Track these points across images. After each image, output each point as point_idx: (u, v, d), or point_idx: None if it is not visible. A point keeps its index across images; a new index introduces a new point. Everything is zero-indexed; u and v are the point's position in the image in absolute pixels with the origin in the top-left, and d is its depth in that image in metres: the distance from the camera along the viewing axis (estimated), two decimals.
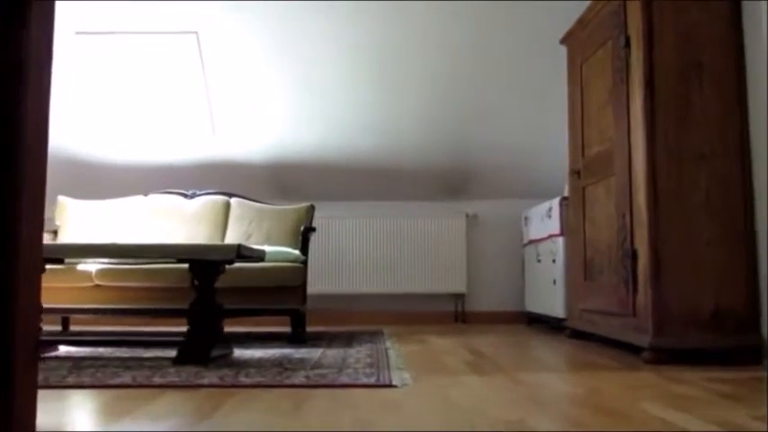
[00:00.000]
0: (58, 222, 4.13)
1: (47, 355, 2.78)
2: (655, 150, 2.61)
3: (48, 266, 3.18)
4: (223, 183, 4.83)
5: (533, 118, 4.50)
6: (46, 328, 3.91)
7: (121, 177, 4.86)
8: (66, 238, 4.05)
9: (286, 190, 4.97)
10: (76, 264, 3.39)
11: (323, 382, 2.03)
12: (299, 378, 2.10)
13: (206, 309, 2.64)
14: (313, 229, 3.84)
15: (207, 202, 4.12)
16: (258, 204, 4.14)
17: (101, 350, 2.96)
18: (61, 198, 4.23)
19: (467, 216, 4.92)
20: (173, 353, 2.78)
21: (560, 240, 3.87)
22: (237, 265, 3.30)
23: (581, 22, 3.40)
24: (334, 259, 4.82)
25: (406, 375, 2.16)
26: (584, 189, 3.38)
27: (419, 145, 4.65)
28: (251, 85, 4.33)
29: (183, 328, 2.76)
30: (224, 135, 4.59)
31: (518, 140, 4.63)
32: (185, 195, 4.21)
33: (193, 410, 1.62)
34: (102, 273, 3.38)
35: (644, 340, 2.56)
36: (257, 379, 2.09)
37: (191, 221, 4.04)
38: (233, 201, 4.17)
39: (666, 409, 1.62)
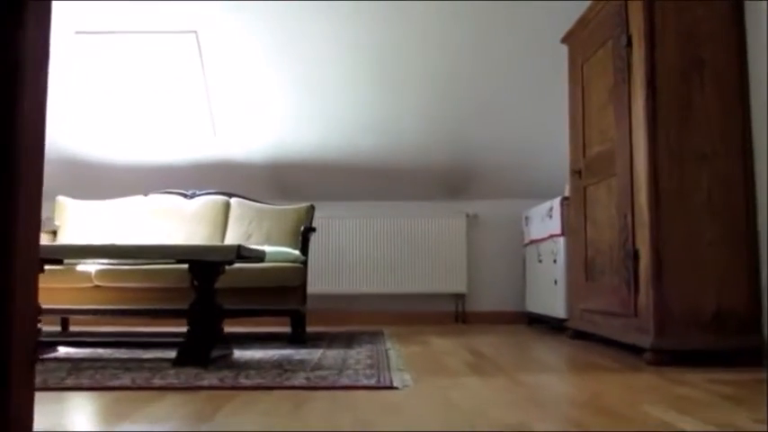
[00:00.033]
0: (57, 222, 4.12)
1: (46, 356, 2.77)
2: (656, 150, 2.60)
3: (47, 267, 3.17)
4: (223, 183, 4.82)
5: (534, 117, 4.49)
6: (45, 328, 3.91)
7: (121, 177, 4.85)
8: (65, 238, 4.04)
9: (286, 190, 4.96)
10: (76, 264, 3.38)
11: (323, 383, 2.02)
12: (299, 379, 2.09)
13: (206, 309, 2.63)
14: (313, 230, 3.83)
15: (207, 202, 4.11)
16: (258, 204, 4.13)
17: (100, 351, 2.95)
18: (61, 198, 4.22)
19: (467, 216, 4.91)
20: (172, 354, 2.77)
21: (561, 240, 3.86)
22: (237, 265, 3.29)
23: (582, 22, 3.39)
24: (335, 259, 4.81)
25: (407, 377, 2.15)
26: (585, 189, 3.37)
27: (419, 145, 4.64)
28: (251, 85, 4.32)
29: (183, 329, 2.75)
30: (224, 135, 4.58)
31: (518, 140, 4.62)
32: (185, 195, 4.20)
33: (193, 413, 1.61)
34: (101, 273, 3.37)
35: (645, 341, 2.55)
36: (257, 380, 2.08)
37: (191, 221, 4.03)
38: (233, 201, 4.16)
39: (669, 412, 1.61)
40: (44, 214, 4.21)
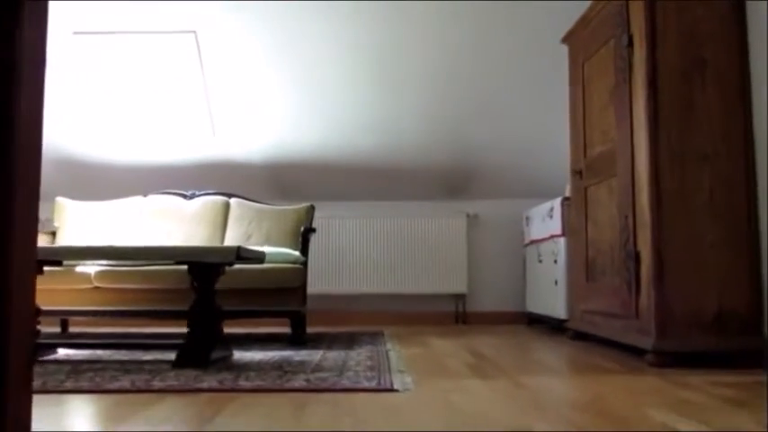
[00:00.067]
0: (56, 223, 4.11)
1: (46, 358, 2.76)
2: (658, 151, 2.59)
3: (46, 268, 3.16)
4: (222, 183, 4.81)
5: (534, 117, 4.48)
6: (45, 329, 3.90)
7: (120, 178, 4.84)
8: (65, 239, 4.03)
9: (286, 190, 4.95)
10: (75, 266, 3.37)
11: (323, 385, 2.01)
12: (299, 382, 2.08)
13: (206, 311, 2.62)
14: (313, 230, 3.82)
15: (206, 203, 4.10)
16: (258, 205, 4.12)
17: (99, 353, 2.95)
18: (60, 199, 4.21)
19: (467, 216, 4.90)
20: (172, 355, 2.76)
21: (562, 241, 3.85)
22: (237, 266, 3.28)
23: (583, 21, 3.38)
24: (334, 259, 4.80)
25: (408, 379, 2.14)
26: (586, 189, 3.36)
27: (419, 144, 4.63)
28: (250, 85, 4.31)
29: (183, 329, 2.75)
30: (223, 135, 4.57)
31: (518, 140, 4.61)
32: (184, 196, 4.19)
33: (193, 416, 1.60)
34: (100, 275, 3.36)
35: (647, 342, 2.54)
36: (257, 383, 2.07)
37: (190, 222, 4.02)
38: (232, 201, 4.15)
39: (671, 415, 1.60)
40: (43, 215, 4.20)
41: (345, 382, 2.05)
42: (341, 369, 2.36)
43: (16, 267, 0.87)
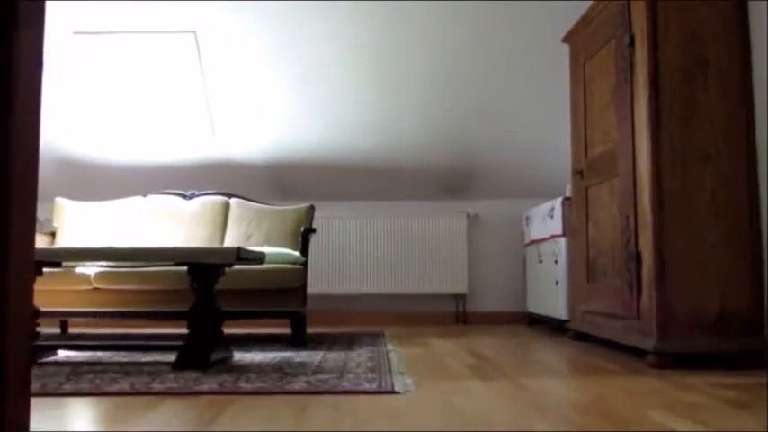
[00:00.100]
0: (56, 224, 4.10)
1: (45, 359, 2.75)
2: (659, 151, 2.58)
3: (46, 270, 3.15)
4: (222, 183, 4.80)
5: (534, 117, 4.47)
6: (45, 330, 3.89)
7: (120, 178, 4.83)
8: (64, 239, 4.02)
9: (286, 190, 4.94)
10: (75, 267, 3.36)
11: (324, 387, 2.00)
12: (299, 384, 2.08)
13: (206, 312, 2.62)
14: (313, 231, 3.81)
15: (206, 203, 4.09)
16: (258, 205, 4.11)
17: (99, 354, 2.94)
18: (59, 200, 4.20)
19: (468, 216, 4.90)
20: (172, 357, 2.75)
21: (562, 241, 3.84)
22: (237, 267, 3.27)
23: (584, 21, 3.37)
24: (335, 259, 4.80)
25: (409, 381, 2.13)
26: (587, 190, 3.35)
27: (419, 144, 4.62)
28: (250, 85, 4.30)
29: (183, 330, 2.74)
30: (223, 135, 4.56)
31: (519, 140, 4.60)
32: (184, 196, 4.18)
33: (193, 419, 1.60)
34: (100, 276, 3.36)
35: (648, 343, 2.54)
36: (258, 385, 2.06)
37: (190, 222, 4.01)
38: (232, 201, 4.14)
39: (673, 417, 1.59)
40: (42, 216, 4.19)
41: (346, 384, 2.05)
42: (341, 371, 2.36)
43: (14, 268, 0.87)
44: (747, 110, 2.60)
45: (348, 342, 3.42)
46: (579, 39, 3.49)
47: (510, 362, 2.66)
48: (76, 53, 4.19)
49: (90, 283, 3.37)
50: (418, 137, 4.57)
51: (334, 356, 2.79)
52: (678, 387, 2.04)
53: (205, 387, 2.03)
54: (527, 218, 4.64)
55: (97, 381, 2.15)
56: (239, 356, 2.82)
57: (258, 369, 2.42)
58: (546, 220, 4.14)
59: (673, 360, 2.47)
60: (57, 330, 4.02)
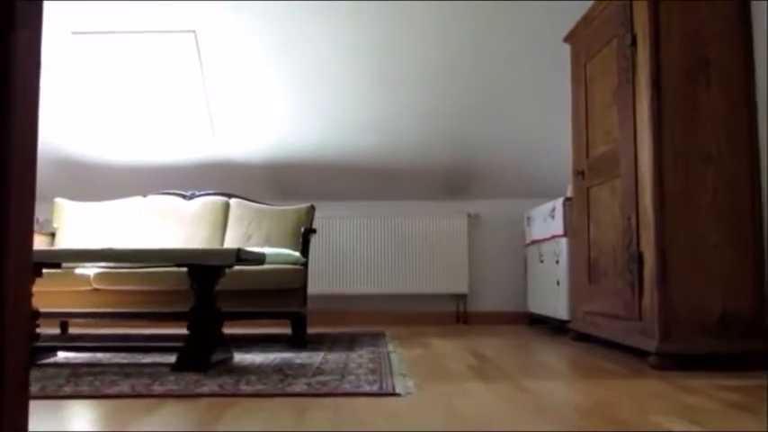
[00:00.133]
0: (55, 224, 4.09)
1: (45, 361, 2.74)
2: (661, 151, 2.57)
3: (45, 271, 3.14)
4: (222, 183, 4.80)
5: (535, 117, 4.46)
6: (45, 331, 3.88)
7: (120, 178, 4.82)
8: (64, 240, 4.01)
9: (286, 190, 4.93)
10: (74, 268, 3.36)
11: (325, 390, 1.99)
12: (300, 386, 2.07)
13: (206, 314, 2.61)
14: (314, 231, 3.80)
15: (206, 203, 4.08)
16: (258, 205, 4.10)
17: (99, 356, 2.93)
18: (59, 200, 4.19)
19: (468, 216, 4.89)
20: (172, 358, 2.74)
21: (564, 241, 3.84)
22: (237, 267, 3.26)
23: (585, 21, 3.36)
24: (335, 259, 4.79)
25: (410, 383, 2.12)
26: (588, 190, 3.34)
27: (420, 144, 4.61)
28: (250, 85, 4.29)
29: (183, 331, 2.73)
30: (223, 135, 4.55)
31: (519, 139, 4.59)
32: (184, 196, 4.17)
33: (193, 422, 1.59)
34: (100, 276, 3.35)
35: (650, 345, 2.53)
36: (258, 387, 2.05)
37: (190, 222, 4.00)
38: (232, 201, 4.13)
39: (674, 419, 1.58)
40: (42, 216, 4.18)
41: (347, 387, 2.04)
42: (342, 372, 2.35)
43: (12, 269, 0.86)
44: (749, 110, 2.59)
45: (349, 343, 3.41)
46: (580, 39, 3.48)
47: (511, 363, 2.66)
48: (75, 53, 4.18)
49: (90, 284, 3.36)
50: (418, 136, 4.56)
51: (334, 357, 2.78)
52: (680, 389, 2.03)
53: (206, 389, 2.02)
54: (528, 218, 4.63)
55: (97, 383, 2.14)
56: (240, 357, 2.81)
57: (258, 370, 2.41)
58: (547, 221, 4.14)
59: (674, 361, 2.46)
60: (57, 331, 4.01)
